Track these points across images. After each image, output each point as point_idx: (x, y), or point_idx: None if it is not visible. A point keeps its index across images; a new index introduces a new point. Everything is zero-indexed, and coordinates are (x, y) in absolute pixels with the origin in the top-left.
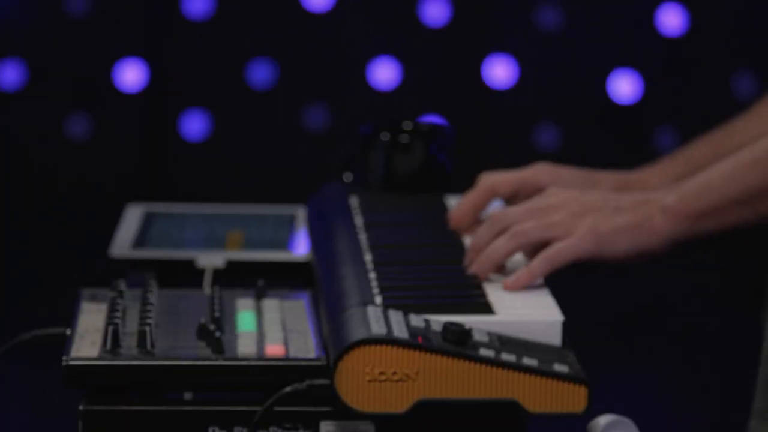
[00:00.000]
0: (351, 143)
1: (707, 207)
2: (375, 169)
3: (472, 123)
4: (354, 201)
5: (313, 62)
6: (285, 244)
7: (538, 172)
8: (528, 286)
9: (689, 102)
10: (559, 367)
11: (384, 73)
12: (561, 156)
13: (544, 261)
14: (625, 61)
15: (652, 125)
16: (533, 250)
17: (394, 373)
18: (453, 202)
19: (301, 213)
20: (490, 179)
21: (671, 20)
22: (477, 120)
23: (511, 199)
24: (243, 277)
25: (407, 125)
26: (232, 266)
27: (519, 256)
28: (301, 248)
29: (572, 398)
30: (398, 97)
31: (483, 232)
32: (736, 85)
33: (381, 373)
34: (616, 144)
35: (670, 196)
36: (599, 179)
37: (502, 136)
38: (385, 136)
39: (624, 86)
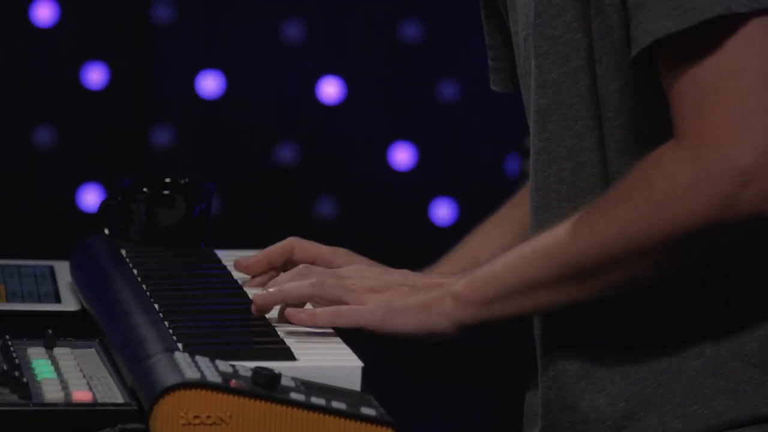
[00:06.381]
0: (110, 197)
1: (491, 295)
2: (137, 222)
3: None
4: (123, 252)
5: None
6: (50, 296)
7: (336, 254)
8: (304, 326)
9: (344, 170)
10: (367, 410)
11: (42, 136)
12: (223, 219)
13: (330, 313)
14: (282, 128)
15: (309, 192)
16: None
17: (209, 416)
18: (222, 255)
19: (60, 266)
20: (294, 241)
21: (330, 90)
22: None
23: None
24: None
25: (167, 180)
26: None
27: None
28: (69, 300)
29: None
30: (55, 160)
31: (286, 275)
32: (392, 155)
33: (195, 417)
34: (276, 209)
35: (460, 281)
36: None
37: None
38: (146, 190)
39: (284, 153)
